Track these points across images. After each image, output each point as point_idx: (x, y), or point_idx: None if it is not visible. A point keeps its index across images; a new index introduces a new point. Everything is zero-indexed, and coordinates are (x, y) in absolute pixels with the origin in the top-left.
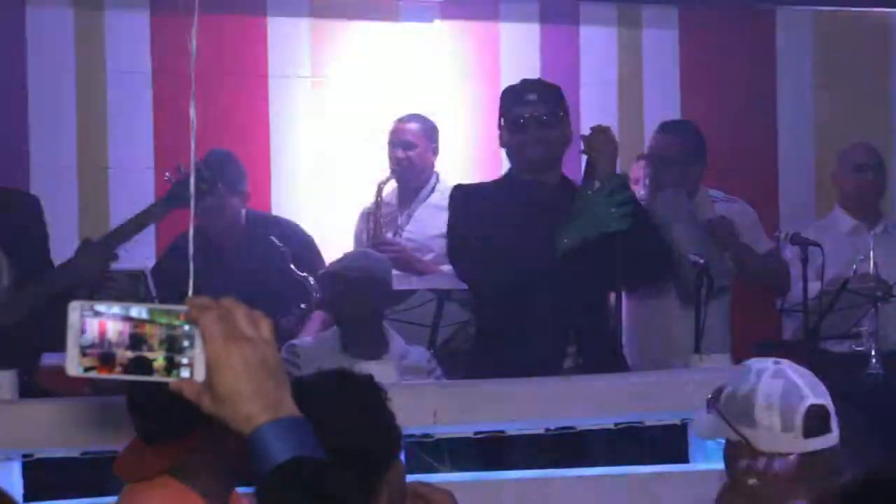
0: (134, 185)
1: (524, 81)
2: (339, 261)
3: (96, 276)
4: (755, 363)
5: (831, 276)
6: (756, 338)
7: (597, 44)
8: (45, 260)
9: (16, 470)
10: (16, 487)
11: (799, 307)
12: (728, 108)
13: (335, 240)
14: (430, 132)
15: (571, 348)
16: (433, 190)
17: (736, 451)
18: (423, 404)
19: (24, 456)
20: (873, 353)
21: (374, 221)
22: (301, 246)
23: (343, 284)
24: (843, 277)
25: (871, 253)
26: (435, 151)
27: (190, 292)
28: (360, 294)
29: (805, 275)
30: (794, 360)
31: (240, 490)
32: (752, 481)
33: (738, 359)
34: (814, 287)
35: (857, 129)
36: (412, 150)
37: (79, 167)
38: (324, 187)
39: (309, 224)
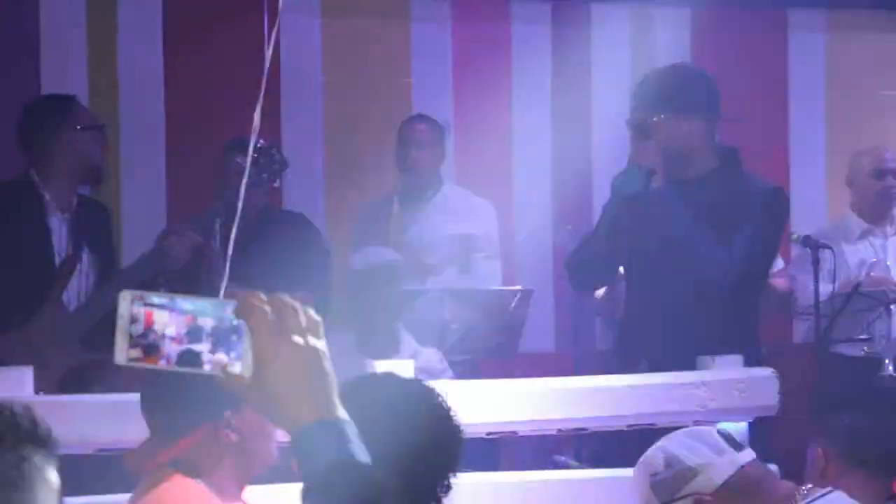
0: (146, 182)
1: (637, 84)
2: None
3: (188, 259)
4: (645, 456)
5: (843, 279)
6: (766, 340)
7: (609, 46)
8: (116, 267)
9: None
10: None
11: (810, 310)
12: (740, 109)
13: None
14: (439, 134)
15: (644, 365)
16: (438, 191)
17: None
18: None
19: None
20: (886, 356)
21: (394, 222)
22: (308, 237)
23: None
24: (855, 280)
25: (885, 256)
26: (442, 154)
27: (223, 288)
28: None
29: (816, 278)
30: (805, 363)
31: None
32: None
33: (748, 361)
34: (825, 290)
35: (870, 132)
36: (424, 150)
37: None
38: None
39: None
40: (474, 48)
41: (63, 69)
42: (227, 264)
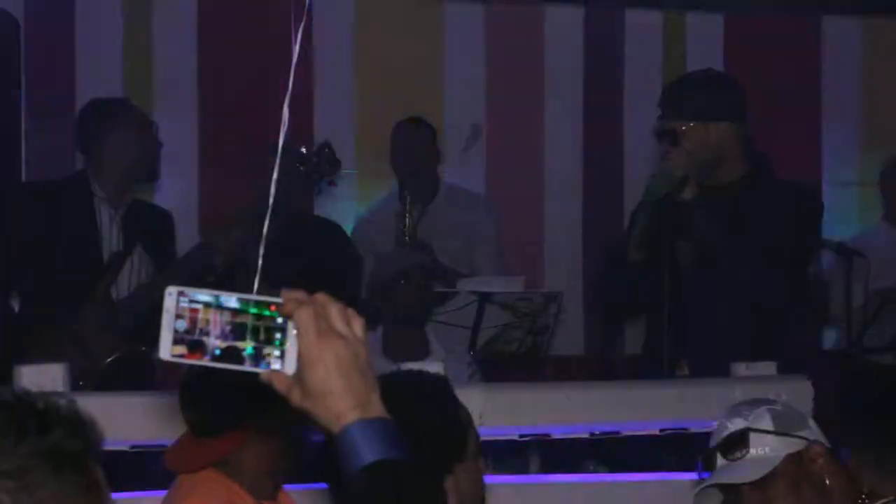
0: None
1: (664, 91)
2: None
3: (235, 255)
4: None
5: (876, 288)
6: (797, 347)
7: (641, 51)
8: None
9: None
10: None
11: (843, 317)
12: (772, 115)
13: None
14: (430, 135)
15: (683, 371)
16: (437, 193)
17: (800, 458)
18: (469, 406)
19: None
20: None
21: (409, 224)
22: (339, 246)
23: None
24: (888, 289)
25: None
26: (436, 154)
27: (256, 286)
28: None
29: (849, 285)
30: (836, 370)
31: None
32: (829, 481)
33: (780, 367)
34: (858, 297)
35: None
36: (416, 152)
37: None
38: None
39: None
40: (507, 52)
41: (99, 68)
42: (260, 262)
